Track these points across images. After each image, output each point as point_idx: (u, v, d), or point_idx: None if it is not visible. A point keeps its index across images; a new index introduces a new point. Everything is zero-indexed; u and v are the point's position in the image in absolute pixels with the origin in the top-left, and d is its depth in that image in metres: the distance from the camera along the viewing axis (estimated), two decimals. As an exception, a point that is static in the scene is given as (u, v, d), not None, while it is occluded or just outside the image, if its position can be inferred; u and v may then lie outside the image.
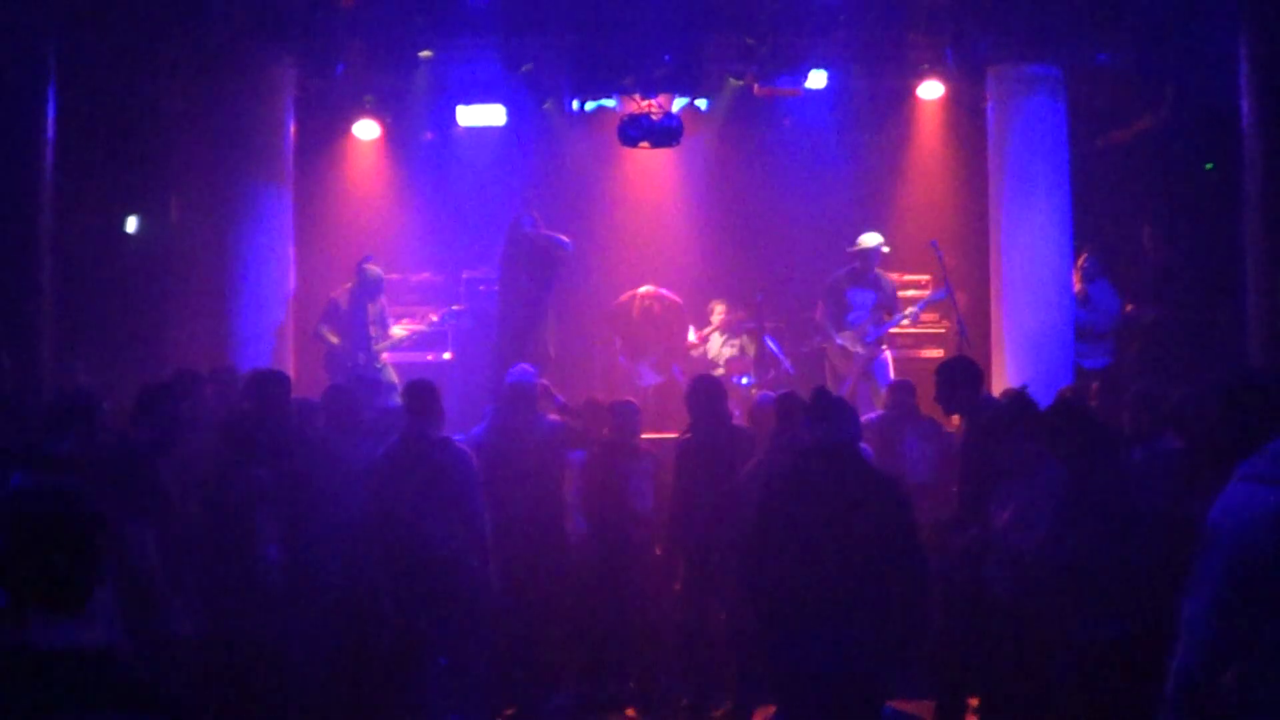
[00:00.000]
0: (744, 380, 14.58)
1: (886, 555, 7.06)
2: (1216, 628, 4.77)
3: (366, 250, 14.35)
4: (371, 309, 13.95)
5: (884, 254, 14.36)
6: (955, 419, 11.44)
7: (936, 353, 14.85)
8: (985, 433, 8.68)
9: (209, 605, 8.04)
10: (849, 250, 14.40)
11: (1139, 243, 15.33)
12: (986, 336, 14.01)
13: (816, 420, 7.47)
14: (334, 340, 13.77)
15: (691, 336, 15.34)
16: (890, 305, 14.33)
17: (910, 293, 14.66)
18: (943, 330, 15.10)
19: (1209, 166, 14.73)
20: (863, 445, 9.40)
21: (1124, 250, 15.24)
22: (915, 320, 14.62)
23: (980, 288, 14.33)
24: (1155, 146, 15.03)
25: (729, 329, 15.49)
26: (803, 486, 7.30)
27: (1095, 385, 11.37)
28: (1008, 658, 8.00)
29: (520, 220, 13.82)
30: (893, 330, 14.64)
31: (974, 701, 9.11)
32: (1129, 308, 14.55)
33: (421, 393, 9.54)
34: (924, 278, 15.06)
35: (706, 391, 10.46)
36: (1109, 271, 14.55)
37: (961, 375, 9.08)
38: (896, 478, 7.85)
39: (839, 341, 14.17)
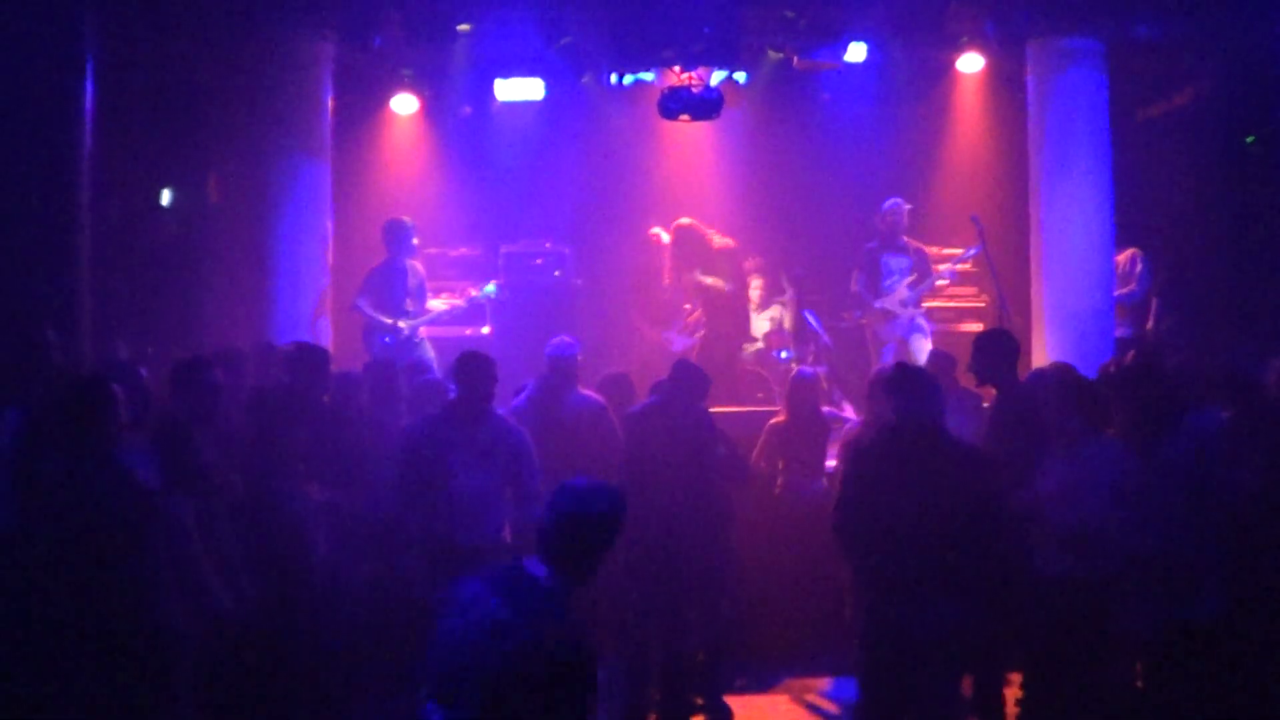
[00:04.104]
0: (783, 354, 14.55)
1: (973, 529, 7.18)
2: None
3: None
4: (411, 280, 13.91)
5: (907, 211, 14.29)
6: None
7: (975, 326, 14.76)
8: (1023, 406, 8.66)
9: (252, 579, 8.02)
10: (876, 219, 14.34)
11: (1179, 216, 15.23)
12: (1026, 311, 13.95)
13: (899, 396, 7.51)
14: (372, 314, 13.72)
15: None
16: (923, 269, 14.26)
17: (946, 266, 14.52)
18: (982, 304, 15.03)
19: (1250, 140, 14.62)
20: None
21: (1164, 223, 15.16)
22: (952, 278, 14.51)
23: (1020, 262, 14.24)
24: (1197, 120, 14.95)
25: (765, 304, 15.48)
26: (888, 464, 7.39)
27: (1130, 355, 11.22)
28: (1053, 634, 7.98)
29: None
30: (932, 305, 14.57)
31: (1013, 677, 9.12)
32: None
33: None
34: (961, 250, 14.96)
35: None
36: (1141, 243, 14.55)
37: (999, 348, 9.04)
38: (980, 451, 7.87)
39: (878, 305, 14.10)
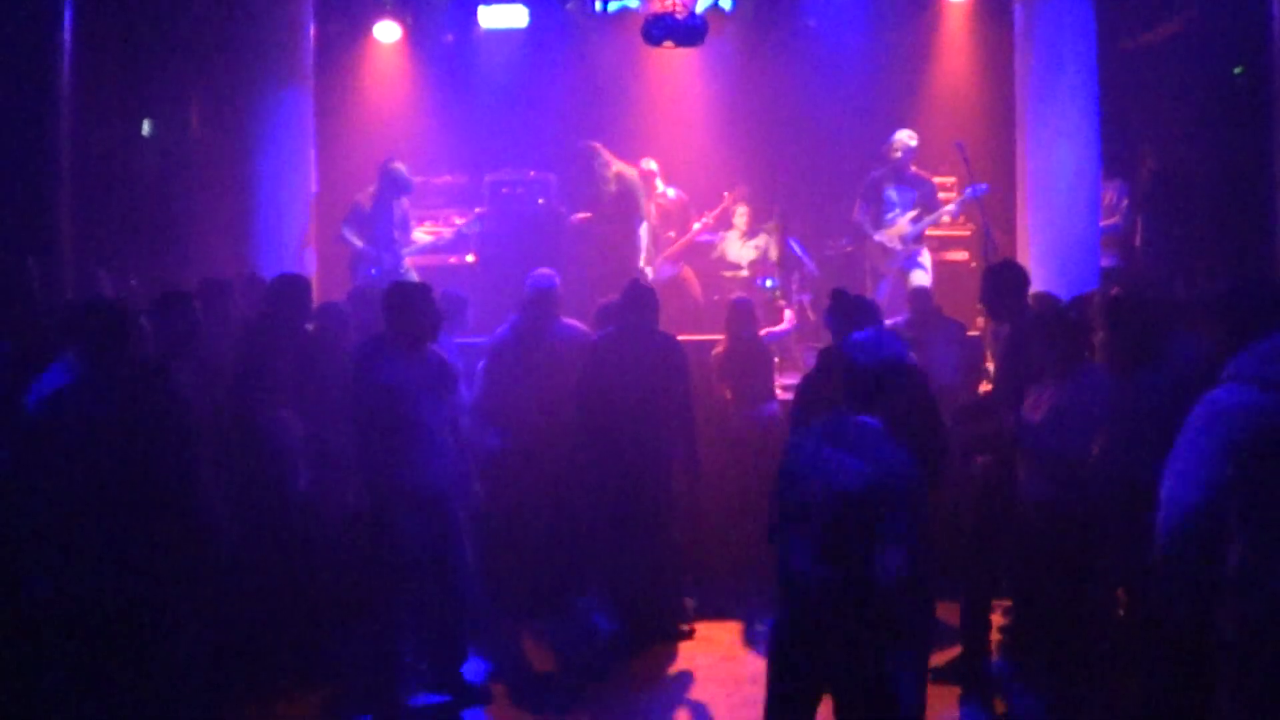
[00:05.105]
0: (767, 283, 14.52)
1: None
2: None
3: (388, 153, 14.20)
4: (396, 211, 13.83)
5: (914, 147, 14.19)
6: (979, 321, 11.44)
7: (961, 255, 14.83)
8: (1027, 336, 8.67)
9: (232, 510, 7.99)
10: (884, 148, 14.21)
11: (1165, 147, 15.18)
12: (1012, 240, 13.91)
13: (833, 321, 7.65)
14: (358, 244, 13.67)
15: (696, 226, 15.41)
16: (929, 203, 14.12)
17: (942, 195, 14.43)
18: (968, 233, 14.99)
19: (1238, 70, 14.56)
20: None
21: (1150, 154, 15.13)
22: (955, 217, 14.45)
23: (1005, 191, 14.19)
24: (1184, 50, 14.87)
25: (751, 233, 15.44)
26: (823, 387, 7.46)
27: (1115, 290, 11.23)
28: (1037, 562, 8.01)
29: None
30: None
31: (999, 604, 9.16)
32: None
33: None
34: (949, 179, 14.89)
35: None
36: (1127, 173, 14.56)
37: (1010, 281, 9.05)
38: (916, 368, 7.93)
39: (877, 239, 14.01)
